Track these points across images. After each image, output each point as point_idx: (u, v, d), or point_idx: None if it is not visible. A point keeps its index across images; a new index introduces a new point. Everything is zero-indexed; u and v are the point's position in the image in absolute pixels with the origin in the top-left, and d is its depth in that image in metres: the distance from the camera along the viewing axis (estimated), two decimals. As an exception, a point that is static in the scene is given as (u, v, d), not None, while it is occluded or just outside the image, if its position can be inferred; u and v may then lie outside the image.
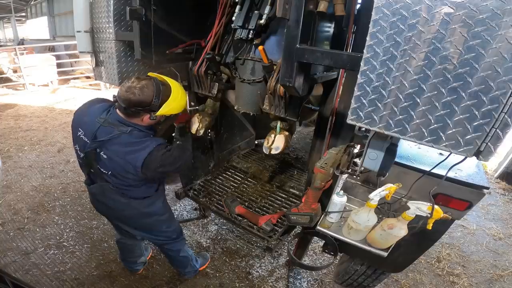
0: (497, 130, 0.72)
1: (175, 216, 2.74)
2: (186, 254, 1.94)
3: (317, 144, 1.65)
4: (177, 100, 1.38)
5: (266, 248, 1.86)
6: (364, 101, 0.87)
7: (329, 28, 1.41)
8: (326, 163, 1.32)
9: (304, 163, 2.89)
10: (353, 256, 1.77)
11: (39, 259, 2.23)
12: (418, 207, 1.12)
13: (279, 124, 1.60)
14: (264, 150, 1.62)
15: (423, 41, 0.75)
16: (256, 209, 2.16)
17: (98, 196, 1.52)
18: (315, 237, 1.96)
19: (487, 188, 1.22)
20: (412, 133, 0.83)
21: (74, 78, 8.27)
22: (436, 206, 1.08)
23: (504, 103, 0.70)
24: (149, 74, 1.42)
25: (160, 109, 1.32)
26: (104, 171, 1.38)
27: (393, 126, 0.85)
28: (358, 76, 0.86)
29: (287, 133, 1.60)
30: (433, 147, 0.82)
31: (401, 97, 0.82)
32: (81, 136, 1.37)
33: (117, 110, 1.35)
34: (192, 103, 1.73)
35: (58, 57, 7.90)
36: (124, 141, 1.30)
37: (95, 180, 1.47)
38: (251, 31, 1.41)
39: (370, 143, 1.10)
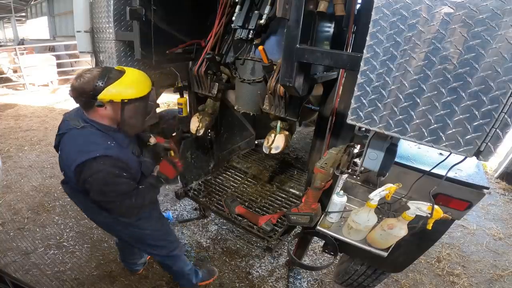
0: (497, 130, 0.72)
1: (176, 216, 2.76)
2: (179, 269, 1.76)
3: (317, 144, 1.65)
4: (125, 84, 1.15)
5: (266, 248, 1.86)
6: (364, 101, 0.87)
7: (329, 28, 1.41)
8: (326, 163, 1.32)
9: (304, 163, 2.89)
10: (353, 256, 1.77)
11: (39, 259, 2.23)
12: (418, 207, 1.12)
13: (279, 124, 1.60)
14: (264, 150, 1.62)
15: (423, 41, 0.75)
16: (256, 209, 2.16)
17: (70, 197, 1.42)
18: (315, 237, 1.96)
19: (487, 188, 1.22)
20: (412, 133, 0.83)
21: (74, 78, 8.26)
22: (436, 206, 1.08)
23: (504, 103, 0.70)
24: (116, 67, 1.25)
25: (103, 91, 1.11)
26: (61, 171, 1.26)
27: (393, 126, 0.85)
28: (358, 76, 0.86)
29: (287, 132, 1.60)
30: (433, 147, 0.82)
31: (401, 97, 0.82)
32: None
33: None
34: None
35: (58, 57, 7.90)
36: (72, 135, 1.16)
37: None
38: (251, 31, 1.41)
39: (370, 143, 1.10)
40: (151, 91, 1.27)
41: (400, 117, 0.83)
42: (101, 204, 1.21)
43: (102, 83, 1.11)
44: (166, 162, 1.42)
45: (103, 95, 1.12)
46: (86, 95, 1.12)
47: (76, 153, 1.12)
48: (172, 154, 1.51)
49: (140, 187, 1.29)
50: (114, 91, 1.13)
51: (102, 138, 1.17)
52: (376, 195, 1.18)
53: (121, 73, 1.18)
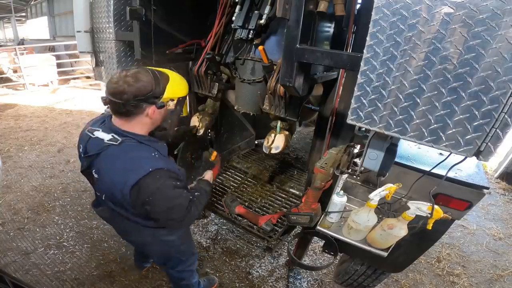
0: (497, 130, 0.72)
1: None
2: (188, 282, 1.73)
3: (317, 144, 1.65)
4: (177, 82, 1.16)
5: (266, 248, 1.86)
6: (364, 101, 0.87)
7: (329, 28, 1.41)
8: (326, 163, 1.32)
9: (304, 163, 2.89)
10: (353, 256, 1.77)
11: (39, 259, 2.23)
12: (418, 207, 1.12)
13: (279, 123, 1.60)
14: (264, 150, 1.62)
15: (423, 41, 0.75)
16: (256, 209, 2.16)
17: (107, 220, 1.37)
18: (315, 237, 1.96)
19: (487, 188, 1.22)
20: (412, 133, 0.83)
21: (74, 78, 8.27)
22: (436, 206, 1.08)
23: (504, 103, 0.70)
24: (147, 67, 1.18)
25: (166, 92, 1.09)
26: (99, 195, 1.17)
27: (393, 126, 0.85)
28: (358, 76, 0.86)
29: (287, 132, 1.60)
30: (433, 147, 0.82)
31: (401, 97, 0.82)
32: (81, 153, 1.15)
33: (112, 118, 1.12)
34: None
35: (58, 57, 7.90)
36: (111, 153, 1.04)
37: (102, 203, 1.25)
38: (251, 31, 1.41)
39: (370, 143, 1.10)
40: None
41: (400, 117, 0.83)
42: (162, 221, 1.15)
43: (158, 84, 1.07)
44: (217, 167, 1.50)
45: (167, 95, 1.09)
46: (141, 97, 1.03)
47: (125, 173, 1.01)
48: (214, 154, 1.54)
49: (196, 193, 1.25)
50: (174, 91, 1.13)
51: (146, 150, 1.08)
52: (376, 195, 1.18)
53: (163, 73, 1.13)
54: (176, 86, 1.14)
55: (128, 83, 1.00)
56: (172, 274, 1.70)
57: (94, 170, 1.09)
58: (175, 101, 1.16)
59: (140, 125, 1.10)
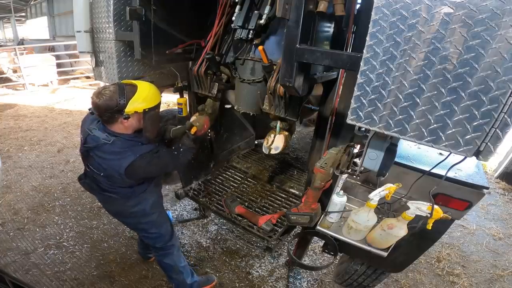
0: (497, 130, 0.72)
1: (176, 216, 2.76)
2: (173, 264, 1.82)
3: (317, 144, 1.65)
4: (142, 97, 1.34)
5: (266, 248, 1.86)
6: (364, 101, 0.87)
7: (329, 28, 1.41)
8: (326, 163, 1.32)
9: (304, 163, 2.89)
10: (353, 256, 1.77)
11: (39, 259, 2.23)
12: (418, 207, 1.12)
13: (279, 124, 1.60)
14: (263, 150, 1.62)
15: (423, 41, 0.75)
16: (256, 209, 2.16)
17: (88, 190, 1.63)
18: (315, 237, 1.96)
19: (487, 188, 1.22)
20: (412, 133, 0.83)
21: (74, 78, 8.27)
22: (436, 206, 1.08)
23: (503, 103, 0.70)
24: (122, 81, 1.42)
25: (128, 106, 1.30)
26: (97, 172, 1.44)
27: (393, 126, 0.85)
28: (358, 76, 0.86)
29: (286, 133, 1.60)
30: (433, 147, 0.82)
31: (401, 97, 0.82)
32: (81, 137, 1.46)
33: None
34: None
35: (58, 57, 7.91)
36: (106, 150, 1.34)
37: (87, 175, 1.55)
38: (251, 31, 1.41)
39: (370, 143, 1.10)
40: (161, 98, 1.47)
41: (400, 117, 0.84)
42: (162, 173, 1.64)
43: (123, 99, 1.28)
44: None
45: (129, 108, 1.29)
46: (111, 110, 1.28)
47: (119, 161, 1.32)
48: (194, 129, 1.66)
49: (181, 150, 1.57)
50: (136, 104, 1.31)
51: (133, 143, 1.38)
52: (376, 195, 1.18)
53: (134, 87, 1.34)
54: (141, 100, 1.33)
55: (99, 99, 1.27)
56: (158, 258, 1.83)
57: (94, 155, 1.38)
58: (141, 112, 1.34)
59: (121, 129, 1.36)
